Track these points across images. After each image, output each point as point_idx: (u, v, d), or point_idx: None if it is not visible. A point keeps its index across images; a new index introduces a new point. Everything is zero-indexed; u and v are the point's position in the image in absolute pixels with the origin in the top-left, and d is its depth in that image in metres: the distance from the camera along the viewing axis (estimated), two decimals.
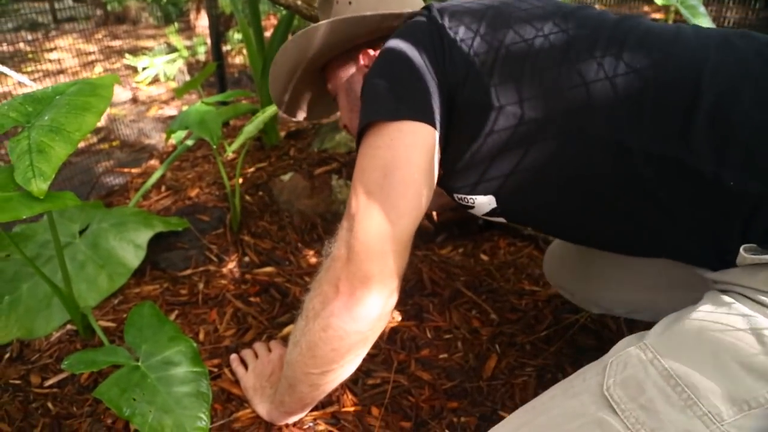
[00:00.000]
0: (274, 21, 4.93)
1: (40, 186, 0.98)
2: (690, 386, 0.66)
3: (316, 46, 0.98)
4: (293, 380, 0.95)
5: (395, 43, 0.86)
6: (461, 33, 0.84)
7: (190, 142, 1.79)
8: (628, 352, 0.72)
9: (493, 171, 0.85)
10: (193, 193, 1.83)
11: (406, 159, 0.80)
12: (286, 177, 1.75)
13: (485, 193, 0.89)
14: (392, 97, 0.82)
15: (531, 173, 0.82)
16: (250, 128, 1.45)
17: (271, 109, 1.47)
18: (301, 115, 1.21)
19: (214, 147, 1.43)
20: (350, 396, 1.13)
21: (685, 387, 0.66)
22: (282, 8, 1.67)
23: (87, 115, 1.10)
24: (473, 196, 0.90)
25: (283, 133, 2.16)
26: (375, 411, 1.10)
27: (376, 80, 0.84)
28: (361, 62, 1.00)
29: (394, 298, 0.84)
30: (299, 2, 1.51)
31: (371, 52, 1.00)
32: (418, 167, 0.81)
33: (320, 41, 0.97)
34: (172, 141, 2.04)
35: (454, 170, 0.89)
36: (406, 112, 0.80)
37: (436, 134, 0.82)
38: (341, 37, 0.97)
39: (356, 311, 0.82)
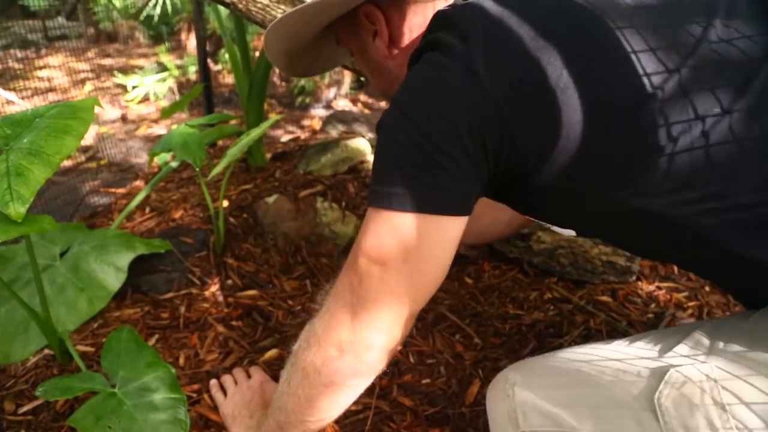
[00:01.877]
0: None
1: (17, 209, 0.97)
2: (737, 422, 0.64)
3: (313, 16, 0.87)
4: (286, 425, 0.93)
5: (419, 87, 0.73)
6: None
7: (174, 164, 1.79)
8: (692, 371, 0.70)
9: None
10: (177, 214, 1.82)
11: (430, 255, 0.75)
12: (271, 199, 1.74)
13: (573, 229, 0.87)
14: (419, 185, 0.71)
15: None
16: (234, 151, 1.45)
17: (256, 132, 1.47)
18: (303, 72, 1.10)
19: (198, 170, 1.43)
20: (331, 423, 1.12)
21: (734, 424, 0.64)
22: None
23: (67, 138, 1.09)
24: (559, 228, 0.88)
25: (269, 155, 2.16)
26: None
27: (397, 145, 0.72)
28: (367, 23, 0.88)
29: (397, 348, 0.84)
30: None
31: (372, 9, 0.86)
32: (443, 263, 0.77)
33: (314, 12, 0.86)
34: (157, 162, 2.03)
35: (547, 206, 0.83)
36: (434, 207, 0.72)
37: (467, 219, 0.76)
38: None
39: (362, 370, 0.82)
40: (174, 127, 1.93)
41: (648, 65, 0.68)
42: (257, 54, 2.05)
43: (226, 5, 1.40)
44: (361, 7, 0.85)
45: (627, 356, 0.79)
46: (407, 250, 0.73)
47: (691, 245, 0.74)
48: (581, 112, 0.68)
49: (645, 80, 0.67)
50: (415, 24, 0.86)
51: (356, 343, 0.79)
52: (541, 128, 0.69)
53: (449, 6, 0.78)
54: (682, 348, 0.76)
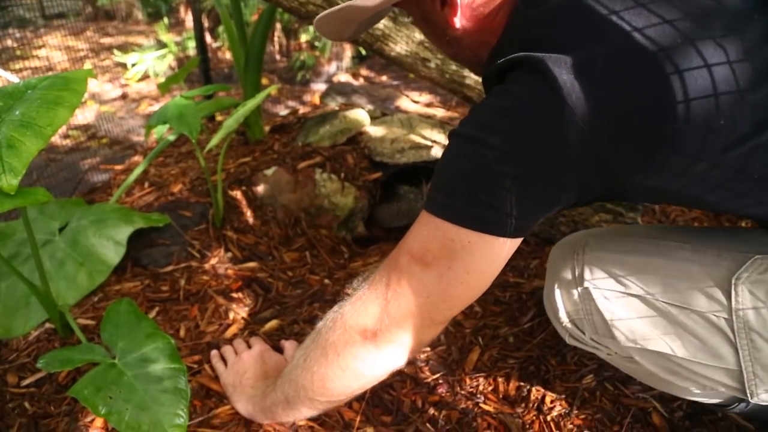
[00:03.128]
0: None
1: (10, 182, 0.96)
2: None
3: None
4: (294, 399, 0.93)
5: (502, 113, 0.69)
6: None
7: (172, 137, 1.77)
8: None
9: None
10: (176, 189, 1.81)
11: (476, 270, 0.74)
12: (270, 171, 1.73)
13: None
14: (482, 204, 0.70)
15: None
16: (230, 122, 1.43)
17: (252, 103, 1.45)
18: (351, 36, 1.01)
19: (194, 141, 1.41)
20: None
21: None
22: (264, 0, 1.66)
23: (59, 110, 1.07)
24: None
25: (267, 128, 2.14)
26: (356, 405, 1.09)
27: (470, 164, 0.70)
28: None
29: (419, 353, 0.85)
30: None
31: None
32: (488, 278, 0.77)
33: None
34: (155, 137, 2.02)
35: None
36: (491, 228, 0.71)
37: (519, 241, 0.75)
38: None
39: (381, 363, 0.83)
40: None
41: None
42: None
43: None
44: None
45: (708, 238, 0.80)
46: (454, 259, 0.73)
47: None
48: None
49: None
50: None
51: (380, 336, 0.80)
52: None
53: None
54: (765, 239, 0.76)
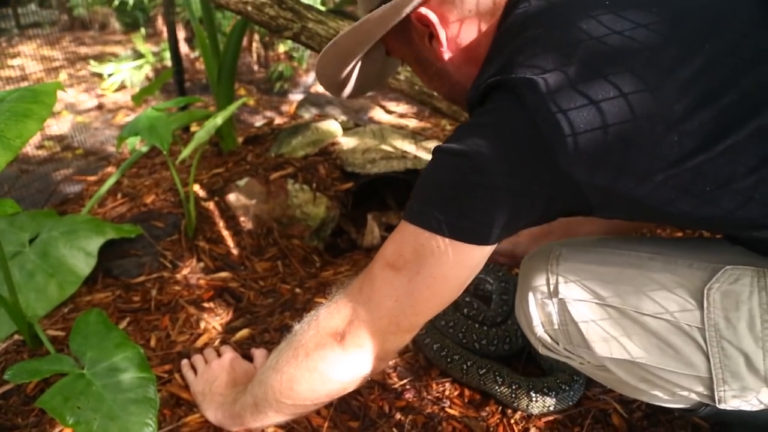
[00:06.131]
0: None
1: None
2: None
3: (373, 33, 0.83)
4: (262, 401, 0.94)
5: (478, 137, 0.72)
6: None
7: (144, 149, 1.78)
8: (745, 270, 0.75)
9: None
10: (149, 199, 1.82)
11: (443, 276, 0.77)
12: (242, 182, 1.75)
13: None
14: (459, 215, 0.73)
15: None
16: (202, 133, 1.45)
17: (222, 114, 1.47)
18: (355, 92, 1.03)
19: (165, 153, 1.43)
20: None
21: None
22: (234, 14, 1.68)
23: (28, 122, 1.09)
24: None
25: (240, 139, 2.16)
26: (324, 411, 1.11)
27: (452, 180, 0.74)
28: (419, 26, 0.83)
29: (386, 364, 0.86)
30: (249, 8, 1.52)
31: (424, 11, 0.81)
32: (454, 286, 0.79)
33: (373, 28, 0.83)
34: (128, 148, 2.02)
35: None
36: (464, 236, 0.73)
37: (491, 248, 0.77)
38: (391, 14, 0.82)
39: (347, 367, 0.85)
40: None
41: None
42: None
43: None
44: (411, 12, 0.81)
45: (679, 249, 0.83)
46: (422, 264, 0.76)
47: None
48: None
49: None
50: (476, 13, 0.81)
51: (348, 338, 0.83)
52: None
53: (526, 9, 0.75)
54: (738, 250, 0.79)
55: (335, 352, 0.84)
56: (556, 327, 0.86)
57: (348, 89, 0.98)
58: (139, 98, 1.99)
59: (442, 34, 0.82)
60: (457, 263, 0.75)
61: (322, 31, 1.53)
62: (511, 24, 0.77)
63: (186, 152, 1.44)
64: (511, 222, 0.73)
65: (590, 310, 0.82)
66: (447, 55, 0.85)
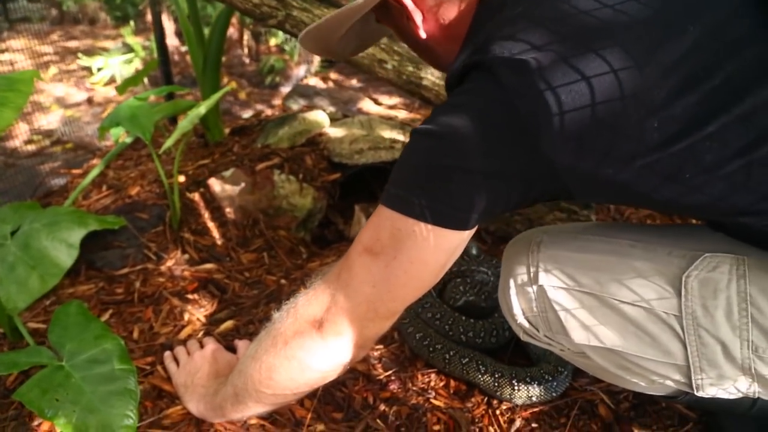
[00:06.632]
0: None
1: None
2: (756, 313, 0.70)
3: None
4: (242, 391, 0.93)
5: (453, 116, 0.71)
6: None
7: (129, 140, 1.76)
8: (724, 258, 0.74)
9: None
10: (134, 191, 1.80)
11: (421, 260, 0.75)
12: (228, 173, 1.73)
13: None
14: (434, 198, 0.71)
15: None
16: (185, 123, 1.43)
17: (206, 104, 1.45)
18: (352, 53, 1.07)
19: (148, 143, 1.41)
20: None
21: (752, 313, 0.70)
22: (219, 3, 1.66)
23: (4, 111, 1.07)
24: None
25: (227, 130, 2.14)
26: (307, 402, 1.10)
27: (428, 161, 0.72)
28: (396, 6, 0.83)
29: (365, 352, 0.85)
30: None
31: None
32: (431, 270, 0.78)
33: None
34: (111, 139, 2.00)
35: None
36: (441, 220, 0.72)
37: (469, 233, 0.76)
38: None
39: (325, 355, 0.83)
40: None
41: None
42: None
43: None
44: None
45: (660, 236, 0.82)
46: (399, 249, 0.74)
47: None
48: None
49: None
50: None
51: (326, 326, 0.81)
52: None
53: None
54: (719, 237, 0.78)
55: (314, 339, 0.82)
56: (535, 314, 0.86)
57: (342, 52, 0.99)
58: (124, 88, 1.96)
59: (417, 17, 0.82)
60: (435, 247, 0.74)
61: (306, 19, 1.51)
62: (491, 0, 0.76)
63: (169, 142, 1.42)
64: (488, 206, 0.71)
65: (569, 298, 0.82)
66: (424, 35, 0.84)
